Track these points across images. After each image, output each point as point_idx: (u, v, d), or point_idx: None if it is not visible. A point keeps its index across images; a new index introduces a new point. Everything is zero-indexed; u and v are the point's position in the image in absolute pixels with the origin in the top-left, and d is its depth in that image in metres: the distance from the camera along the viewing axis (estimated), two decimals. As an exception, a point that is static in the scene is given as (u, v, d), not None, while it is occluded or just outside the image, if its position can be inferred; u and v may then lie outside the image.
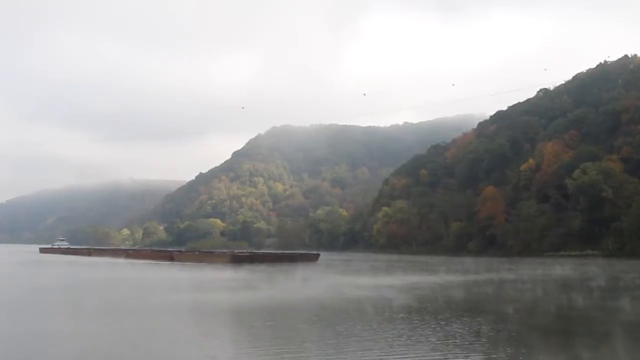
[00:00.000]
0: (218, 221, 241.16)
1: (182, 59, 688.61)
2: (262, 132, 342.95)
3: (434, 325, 21.00)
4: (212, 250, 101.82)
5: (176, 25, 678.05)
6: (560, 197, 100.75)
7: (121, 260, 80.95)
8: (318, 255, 75.33)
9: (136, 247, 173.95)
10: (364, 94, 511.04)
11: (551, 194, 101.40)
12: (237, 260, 66.09)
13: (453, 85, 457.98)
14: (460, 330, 19.91)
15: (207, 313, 25.26)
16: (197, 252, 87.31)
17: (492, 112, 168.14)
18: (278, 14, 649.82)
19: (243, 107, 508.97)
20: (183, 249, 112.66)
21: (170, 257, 77.20)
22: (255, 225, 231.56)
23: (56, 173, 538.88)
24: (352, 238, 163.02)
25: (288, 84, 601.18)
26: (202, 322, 22.72)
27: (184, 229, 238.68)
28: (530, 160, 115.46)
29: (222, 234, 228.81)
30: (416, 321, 22.21)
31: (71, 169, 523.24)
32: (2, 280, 44.49)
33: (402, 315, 24.18)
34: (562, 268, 56.29)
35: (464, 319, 22.98)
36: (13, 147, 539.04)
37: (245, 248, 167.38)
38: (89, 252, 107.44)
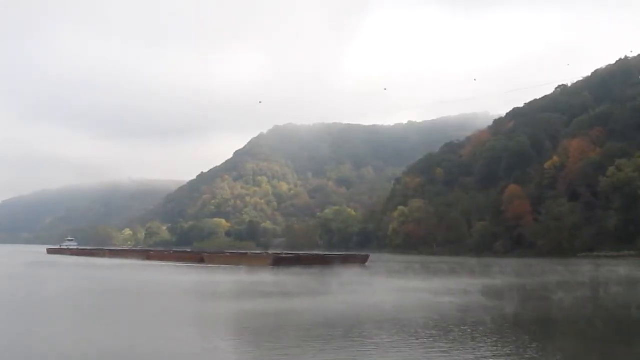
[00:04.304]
0: (223, 221, 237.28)
1: (183, 58, 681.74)
2: (265, 131, 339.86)
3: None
4: (245, 252, 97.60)
5: (177, 24, 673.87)
6: (589, 195, 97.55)
7: (143, 262, 76.87)
8: (367, 256, 71.06)
9: (147, 248, 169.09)
10: (385, 89, 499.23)
11: (581, 192, 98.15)
12: (279, 262, 61.91)
13: (475, 80, 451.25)
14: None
15: (300, 325, 21.18)
16: (228, 253, 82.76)
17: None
18: (280, 13, 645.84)
19: (260, 102, 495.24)
20: (208, 251, 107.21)
21: (200, 258, 72.72)
22: (262, 225, 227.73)
23: (55, 173, 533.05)
24: (366, 238, 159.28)
25: (290, 83, 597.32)
26: (312, 338, 18.96)
27: (188, 229, 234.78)
28: (555, 158, 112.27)
29: (228, 234, 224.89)
30: (583, 338, 18.66)
31: (71, 169, 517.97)
32: (31, 284, 40.52)
33: (546, 328, 20.58)
34: (623, 269, 53.04)
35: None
36: (12, 146, 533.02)
37: (253, 248, 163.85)
38: (103, 253, 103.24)
